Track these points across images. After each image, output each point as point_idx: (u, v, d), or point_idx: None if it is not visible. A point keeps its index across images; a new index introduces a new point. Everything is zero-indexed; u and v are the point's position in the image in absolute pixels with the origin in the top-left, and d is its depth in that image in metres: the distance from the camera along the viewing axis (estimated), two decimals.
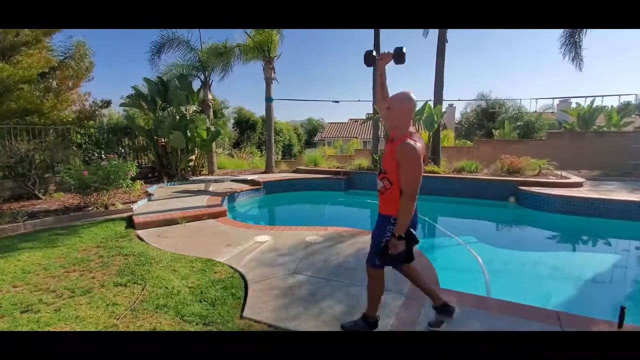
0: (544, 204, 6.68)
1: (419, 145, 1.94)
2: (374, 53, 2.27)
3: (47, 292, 2.93)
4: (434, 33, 10.15)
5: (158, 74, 10.72)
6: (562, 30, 9.08)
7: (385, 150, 2.11)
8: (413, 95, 2.05)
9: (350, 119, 33.82)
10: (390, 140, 2.05)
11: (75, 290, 2.93)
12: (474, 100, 28.19)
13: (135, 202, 6.18)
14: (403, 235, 1.95)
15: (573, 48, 9.12)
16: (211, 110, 11.48)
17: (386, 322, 2.39)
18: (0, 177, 6.82)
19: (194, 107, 10.19)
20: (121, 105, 11.22)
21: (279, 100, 12.50)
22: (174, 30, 10.72)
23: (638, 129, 14.27)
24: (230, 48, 11.24)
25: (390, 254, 2.00)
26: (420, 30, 11.21)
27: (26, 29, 8.14)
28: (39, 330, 2.36)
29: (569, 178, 7.98)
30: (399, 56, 2.19)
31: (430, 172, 8.86)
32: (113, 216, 5.51)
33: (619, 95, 22.04)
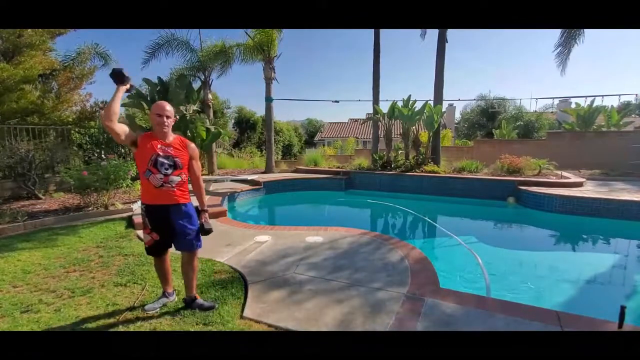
0: (544, 204, 6.68)
1: None
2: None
3: (47, 292, 2.93)
4: (434, 33, 10.16)
5: (159, 74, 10.74)
6: (559, 34, 9.11)
7: (172, 149, 2.44)
8: (156, 103, 2.52)
9: (350, 119, 33.84)
10: (169, 142, 2.45)
11: (75, 290, 2.93)
12: (474, 100, 28.22)
13: (135, 202, 6.18)
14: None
15: (566, 52, 9.15)
16: (211, 110, 11.48)
17: (386, 322, 2.39)
18: (0, 177, 6.82)
19: (194, 107, 10.19)
20: (121, 105, 11.24)
21: (279, 100, 12.50)
22: (172, 30, 10.74)
23: (638, 128, 14.27)
24: (229, 47, 11.24)
25: (208, 227, 2.58)
26: (420, 30, 11.21)
27: (29, 30, 8.15)
28: (39, 330, 2.36)
29: (569, 178, 7.99)
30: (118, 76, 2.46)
31: (430, 172, 8.86)
32: (113, 216, 5.50)
33: (619, 95, 22.06)
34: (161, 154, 2.38)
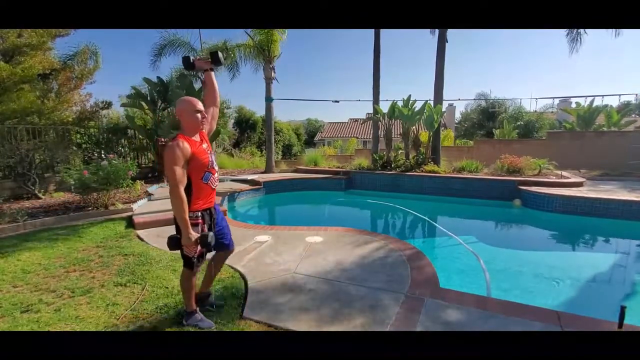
0: (544, 204, 6.68)
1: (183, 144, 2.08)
2: (192, 58, 2.41)
3: (47, 292, 2.93)
4: (434, 33, 10.16)
5: (159, 74, 10.74)
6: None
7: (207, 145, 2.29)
8: (187, 97, 2.20)
9: (350, 119, 33.84)
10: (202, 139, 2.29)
11: (75, 290, 2.93)
12: (474, 99, 28.23)
13: (135, 202, 6.18)
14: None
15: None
16: None
17: (386, 322, 2.39)
18: (0, 177, 6.82)
19: None
20: (122, 105, 11.24)
21: (279, 100, 12.50)
22: (175, 31, 10.74)
23: (638, 128, 14.27)
24: (230, 48, 11.24)
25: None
26: (420, 30, 11.21)
27: (29, 31, 8.16)
28: (39, 330, 2.36)
29: (569, 178, 7.99)
30: (214, 59, 2.37)
31: (430, 172, 8.86)
32: (113, 216, 5.50)
33: (619, 95, 22.08)
34: (211, 152, 2.30)
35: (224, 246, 2.52)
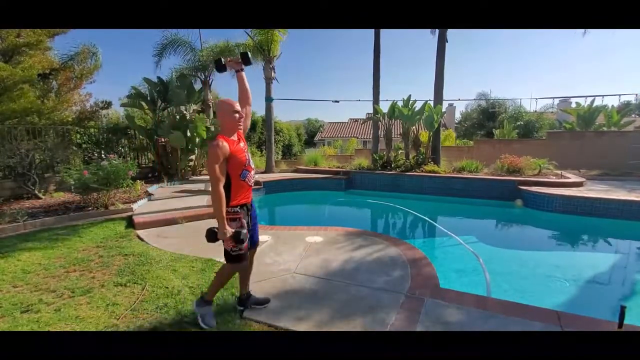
0: (544, 204, 6.68)
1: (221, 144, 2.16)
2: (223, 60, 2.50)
3: (47, 292, 2.93)
4: (434, 33, 10.15)
5: (160, 75, 10.76)
6: None
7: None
8: (226, 99, 2.30)
9: (351, 119, 33.84)
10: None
11: (75, 290, 2.93)
12: (474, 99, 28.22)
13: (136, 202, 6.18)
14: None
15: None
16: (212, 110, 11.48)
17: (386, 322, 2.39)
18: (0, 177, 6.82)
19: (194, 107, 10.18)
20: (122, 105, 11.24)
21: (279, 100, 12.49)
22: (175, 30, 10.76)
23: (638, 128, 14.26)
24: (232, 48, 11.24)
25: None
26: (420, 30, 11.21)
27: (27, 30, 8.16)
28: (39, 330, 2.36)
29: (569, 178, 7.99)
30: (245, 59, 2.46)
31: (430, 172, 8.86)
32: (113, 216, 5.50)
33: (619, 95, 22.07)
34: (247, 150, 2.36)
35: (253, 243, 2.54)
